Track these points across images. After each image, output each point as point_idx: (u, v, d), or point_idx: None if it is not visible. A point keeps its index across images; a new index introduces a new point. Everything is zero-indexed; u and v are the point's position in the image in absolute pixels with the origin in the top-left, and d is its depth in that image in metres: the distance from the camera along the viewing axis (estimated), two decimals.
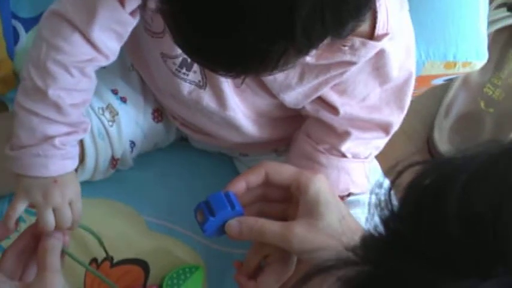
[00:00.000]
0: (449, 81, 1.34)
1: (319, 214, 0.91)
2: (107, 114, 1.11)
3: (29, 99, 0.95)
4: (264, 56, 0.74)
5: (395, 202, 0.54)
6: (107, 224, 1.13)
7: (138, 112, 1.14)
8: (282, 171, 0.94)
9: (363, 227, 0.94)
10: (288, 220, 0.93)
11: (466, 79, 1.39)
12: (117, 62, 1.02)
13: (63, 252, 0.97)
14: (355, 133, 1.04)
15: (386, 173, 0.57)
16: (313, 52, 0.80)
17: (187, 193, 1.17)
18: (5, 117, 1.17)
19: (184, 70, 1.01)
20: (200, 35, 0.73)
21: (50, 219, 0.96)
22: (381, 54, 0.96)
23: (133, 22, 0.95)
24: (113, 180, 1.15)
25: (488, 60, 1.25)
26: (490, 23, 1.36)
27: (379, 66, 0.98)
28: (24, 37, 1.21)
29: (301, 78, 0.98)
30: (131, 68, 1.14)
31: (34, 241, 0.97)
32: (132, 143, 1.15)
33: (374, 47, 0.93)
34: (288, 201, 0.96)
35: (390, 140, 1.11)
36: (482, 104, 1.40)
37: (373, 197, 0.56)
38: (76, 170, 1.08)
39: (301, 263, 0.97)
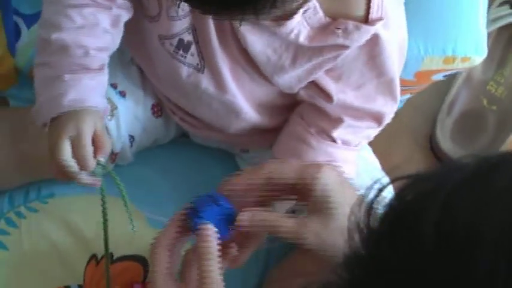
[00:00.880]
0: (450, 77, 1.33)
1: (329, 210, 0.89)
2: None
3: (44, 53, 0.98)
4: None
5: (375, 221, 0.54)
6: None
7: (137, 106, 1.14)
8: (284, 171, 0.91)
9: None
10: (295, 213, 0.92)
11: (468, 76, 1.38)
12: (116, 56, 1.03)
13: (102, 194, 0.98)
14: (348, 121, 1.04)
15: (366, 191, 0.56)
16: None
17: (188, 189, 1.17)
18: (6, 112, 1.17)
19: (181, 52, 1.01)
20: None
21: (67, 150, 0.95)
22: (375, 41, 0.96)
23: None
24: None
25: (491, 58, 1.25)
26: (493, 20, 1.35)
27: (374, 54, 0.98)
28: (26, 33, 1.21)
29: (294, 61, 0.98)
30: (131, 63, 1.14)
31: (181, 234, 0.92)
32: (132, 138, 1.15)
33: (367, 31, 0.94)
34: (292, 196, 0.93)
35: (392, 137, 1.11)
36: (485, 102, 1.39)
37: (353, 216, 0.55)
38: None
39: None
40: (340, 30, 0.93)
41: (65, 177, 0.96)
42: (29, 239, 1.13)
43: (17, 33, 1.21)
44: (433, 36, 1.20)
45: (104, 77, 1.00)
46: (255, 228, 0.89)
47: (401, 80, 1.06)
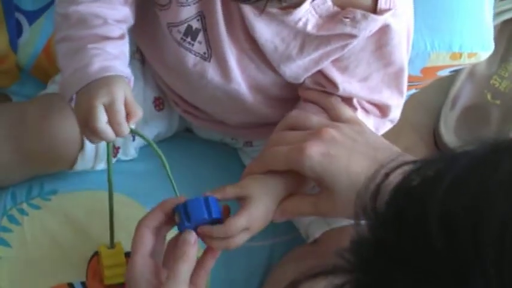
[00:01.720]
0: (455, 73, 1.33)
1: (329, 186, 0.95)
2: None
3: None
4: None
5: (381, 206, 0.54)
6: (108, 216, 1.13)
7: (138, 99, 1.14)
8: (275, 160, 0.98)
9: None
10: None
11: (472, 71, 1.38)
12: None
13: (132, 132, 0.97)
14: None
15: (373, 175, 0.56)
16: None
17: (191, 185, 1.16)
18: (7, 107, 1.17)
19: (189, 39, 1.01)
20: None
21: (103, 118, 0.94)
22: (384, 30, 0.96)
23: None
24: (116, 172, 1.14)
25: (494, 52, 1.24)
26: (497, 14, 1.35)
27: (382, 44, 0.98)
28: (28, 30, 1.21)
29: (302, 50, 0.99)
30: (133, 56, 1.14)
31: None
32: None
33: (375, 20, 0.94)
34: None
35: (396, 132, 1.10)
36: (488, 96, 1.39)
37: (359, 200, 0.55)
38: (76, 157, 1.09)
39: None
40: (348, 19, 0.94)
41: (98, 140, 0.97)
42: (31, 236, 1.13)
43: (18, 30, 1.21)
44: (440, 32, 1.20)
45: (125, 47, 1.00)
46: (288, 216, 1.01)
47: (408, 76, 1.06)
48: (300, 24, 0.95)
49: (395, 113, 1.06)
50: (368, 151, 0.97)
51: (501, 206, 0.49)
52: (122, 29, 0.99)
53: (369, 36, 0.96)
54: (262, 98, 1.08)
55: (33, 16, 1.21)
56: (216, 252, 0.97)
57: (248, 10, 0.96)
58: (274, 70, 1.03)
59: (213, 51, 1.02)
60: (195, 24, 1.00)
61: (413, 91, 1.26)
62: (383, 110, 1.05)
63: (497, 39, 1.27)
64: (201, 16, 0.99)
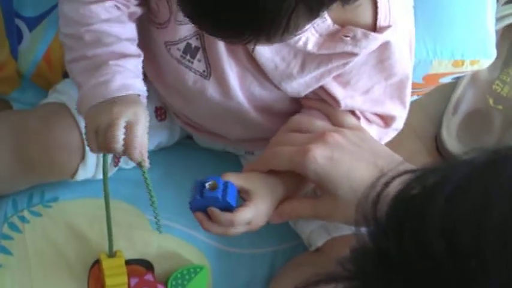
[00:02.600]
0: (458, 79, 1.33)
1: (331, 190, 0.96)
2: None
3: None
4: (274, 14, 0.74)
5: (381, 214, 0.54)
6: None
7: None
8: (278, 162, 0.99)
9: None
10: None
11: (474, 76, 1.37)
12: None
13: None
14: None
15: (373, 184, 0.56)
16: (325, 15, 0.84)
17: None
18: (7, 115, 1.16)
19: (188, 57, 1.01)
20: None
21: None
22: (385, 46, 0.96)
23: None
24: (116, 179, 1.14)
25: (497, 57, 1.24)
26: (499, 19, 1.34)
27: (383, 59, 0.98)
28: (28, 36, 1.20)
29: (303, 68, 0.98)
30: None
31: None
32: None
33: (376, 38, 0.94)
34: None
35: (398, 138, 1.10)
36: (491, 101, 1.38)
37: (360, 209, 0.55)
38: (77, 167, 1.08)
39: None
40: (348, 38, 0.94)
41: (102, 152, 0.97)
42: (32, 243, 1.13)
43: (19, 37, 1.20)
44: (442, 39, 1.19)
45: (141, 65, 1.00)
46: (286, 218, 1.02)
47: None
48: (300, 43, 0.95)
49: (399, 123, 1.06)
50: (370, 158, 0.97)
51: (502, 215, 0.48)
52: (136, 48, 1.00)
53: (370, 52, 0.96)
54: (264, 114, 1.07)
55: (33, 23, 1.20)
56: None
57: None
58: (277, 86, 1.02)
59: (213, 69, 1.01)
60: (194, 42, 1.00)
61: (415, 97, 1.26)
62: (386, 121, 1.05)
63: (499, 44, 1.27)
64: (200, 34, 0.99)
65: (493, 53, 1.22)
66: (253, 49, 0.96)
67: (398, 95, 1.03)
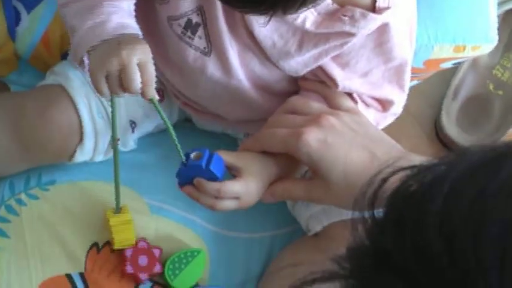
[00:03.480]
0: (458, 65, 1.33)
1: (324, 174, 0.97)
2: None
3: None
4: None
5: (380, 212, 0.53)
6: (107, 208, 1.12)
7: None
8: (272, 143, 0.99)
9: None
10: None
11: (474, 61, 1.37)
12: None
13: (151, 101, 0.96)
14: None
15: (370, 180, 0.56)
16: None
17: None
18: (4, 97, 1.16)
19: (189, 33, 1.01)
20: None
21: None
22: (384, 28, 0.96)
23: None
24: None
25: (497, 42, 1.24)
26: (500, 4, 1.34)
27: (382, 41, 0.98)
28: (26, 18, 1.19)
29: (300, 47, 0.98)
30: None
31: None
32: (133, 123, 1.14)
33: (374, 19, 0.94)
34: None
35: (397, 122, 1.10)
36: (491, 86, 1.38)
37: (356, 206, 0.55)
38: (75, 149, 1.08)
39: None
40: (346, 18, 0.94)
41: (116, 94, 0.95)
42: (29, 226, 1.13)
43: (17, 18, 1.20)
44: (444, 24, 1.19)
45: (133, 7, 0.98)
46: (276, 198, 1.02)
47: (411, 68, 1.06)
48: (299, 21, 0.95)
49: (397, 108, 1.06)
50: (366, 142, 0.97)
51: (501, 212, 0.48)
52: None
53: (368, 34, 0.96)
54: (264, 93, 1.07)
55: (31, 4, 1.19)
56: None
57: None
58: (276, 65, 1.02)
59: (213, 46, 1.01)
60: (195, 19, 1.00)
61: (415, 82, 1.25)
62: (384, 105, 1.05)
63: (500, 29, 1.26)
64: (201, 11, 0.99)
65: (495, 39, 1.22)
66: (252, 26, 0.97)
67: (397, 79, 1.03)
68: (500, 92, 1.37)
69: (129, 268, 1.10)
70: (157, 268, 1.10)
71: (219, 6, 0.97)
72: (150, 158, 1.19)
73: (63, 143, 1.08)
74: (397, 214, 0.52)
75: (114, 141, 1.02)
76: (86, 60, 0.95)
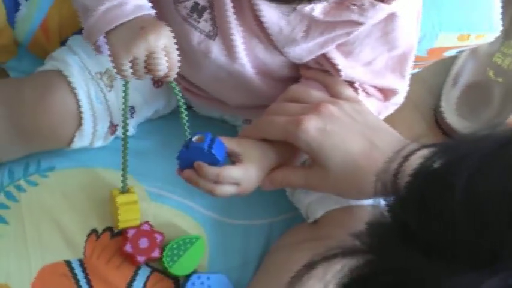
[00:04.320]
0: (461, 53, 1.33)
1: (322, 162, 0.97)
2: (105, 79, 1.10)
3: None
4: None
5: (402, 187, 0.53)
6: (106, 193, 1.12)
7: None
8: (272, 131, 1.00)
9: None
10: None
11: (474, 48, 1.36)
12: None
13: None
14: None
15: (392, 157, 0.55)
16: None
17: None
18: (2, 83, 1.16)
19: (195, 16, 1.01)
20: None
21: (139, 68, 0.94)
22: (391, 18, 0.97)
23: None
24: (113, 149, 1.14)
25: None
26: None
27: (388, 31, 0.99)
28: (25, 5, 1.19)
29: (307, 34, 0.99)
30: None
31: None
32: (132, 108, 1.14)
33: (382, 9, 0.94)
34: None
35: (397, 110, 1.10)
36: (491, 74, 1.37)
37: (379, 182, 0.54)
38: (73, 135, 1.08)
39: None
40: (355, 7, 0.94)
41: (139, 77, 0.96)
42: (29, 213, 1.13)
43: (15, 5, 1.19)
44: (448, 13, 1.19)
45: None
46: (275, 185, 1.03)
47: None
48: (307, 8, 0.96)
49: (399, 98, 1.06)
50: (365, 131, 0.97)
51: None
52: None
53: (375, 24, 0.97)
54: (266, 80, 1.07)
55: None
56: None
57: None
58: (281, 51, 1.03)
59: (219, 30, 1.01)
60: (202, 2, 1.00)
61: (416, 70, 1.25)
62: (386, 94, 1.06)
63: (500, 17, 1.26)
64: None
65: (499, 27, 1.22)
66: (260, 12, 0.97)
67: (400, 68, 1.03)
68: (500, 79, 1.37)
69: (128, 247, 1.10)
70: (156, 253, 1.10)
71: None
72: (149, 144, 1.19)
73: (62, 128, 1.08)
74: (421, 190, 0.51)
75: (124, 118, 1.03)
76: (100, 42, 0.96)
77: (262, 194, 1.11)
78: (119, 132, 1.14)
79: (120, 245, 1.11)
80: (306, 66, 1.05)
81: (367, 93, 1.05)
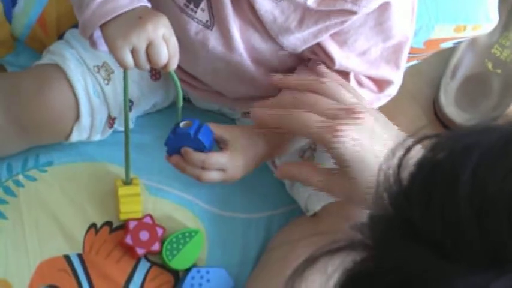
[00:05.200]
0: (458, 44, 1.32)
1: (350, 176, 0.93)
2: (102, 72, 1.10)
3: None
4: None
5: (404, 179, 0.52)
6: (105, 188, 1.12)
7: (134, 69, 1.13)
8: (306, 125, 0.94)
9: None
10: None
11: (473, 40, 1.36)
12: None
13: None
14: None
15: (394, 149, 0.54)
16: None
17: None
18: (3, 77, 1.15)
19: (192, 6, 1.00)
20: None
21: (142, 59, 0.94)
22: (385, 7, 0.97)
23: None
24: (112, 143, 1.14)
25: None
26: None
27: (382, 20, 0.98)
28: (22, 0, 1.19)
29: (301, 23, 0.98)
30: None
31: None
32: (130, 102, 1.13)
33: None
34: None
35: (396, 102, 1.10)
36: (489, 65, 1.37)
37: (381, 173, 0.53)
38: (71, 128, 1.07)
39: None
40: None
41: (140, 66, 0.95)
42: (27, 208, 1.13)
43: (13, 0, 1.19)
44: (444, 4, 1.19)
45: None
46: (290, 178, 1.02)
47: (411, 48, 1.06)
48: None
49: (393, 89, 1.06)
50: (391, 142, 0.94)
51: None
52: None
53: (369, 13, 0.96)
54: (264, 70, 1.07)
55: None
56: None
57: None
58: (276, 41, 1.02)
59: (216, 20, 1.01)
60: None
61: (414, 62, 1.25)
62: (380, 85, 1.05)
63: (499, 9, 1.26)
64: None
65: (496, 18, 1.22)
66: (254, 0, 0.97)
67: (395, 59, 1.03)
68: (499, 71, 1.37)
69: (128, 239, 1.10)
70: (156, 246, 1.11)
71: None
72: (147, 138, 1.19)
73: (60, 121, 1.08)
74: (424, 182, 0.50)
75: (125, 109, 1.03)
76: (96, 36, 0.95)
77: (261, 187, 1.11)
78: (117, 125, 1.14)
79: (120, 239, 1.11)
80: (302, 54, 1.04)
81: (360, 84, 1.04)
